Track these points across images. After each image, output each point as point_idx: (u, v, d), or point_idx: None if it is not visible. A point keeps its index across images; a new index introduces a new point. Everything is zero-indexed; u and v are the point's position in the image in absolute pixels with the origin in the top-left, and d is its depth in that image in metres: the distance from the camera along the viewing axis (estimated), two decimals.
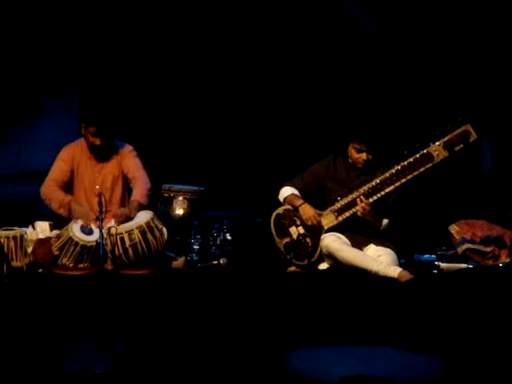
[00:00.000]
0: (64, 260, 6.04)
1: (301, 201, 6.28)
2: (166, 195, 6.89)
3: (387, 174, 6.03)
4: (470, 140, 5.93)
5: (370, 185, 6.06)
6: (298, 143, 8.89)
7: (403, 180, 6.02)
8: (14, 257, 5.98)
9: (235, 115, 9.06)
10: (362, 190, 6.08)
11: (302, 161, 6.80)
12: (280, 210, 6.37)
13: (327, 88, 8.95)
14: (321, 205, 6.27)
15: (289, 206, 6.34)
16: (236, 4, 8.96)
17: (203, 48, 9.02)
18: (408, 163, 6.00)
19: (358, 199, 6.06)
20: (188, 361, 4.87)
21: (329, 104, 8.91)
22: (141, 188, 6.38)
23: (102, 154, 6.40)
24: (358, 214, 6.06)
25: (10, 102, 8.79)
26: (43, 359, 4.80)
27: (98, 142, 6.34)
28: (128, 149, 6.52)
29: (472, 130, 5.91)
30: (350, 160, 6.23)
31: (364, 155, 6.11)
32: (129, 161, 6.47)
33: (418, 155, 5.98)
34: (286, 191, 6.36)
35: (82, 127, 6.44)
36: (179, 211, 6.86)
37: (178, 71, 9.03)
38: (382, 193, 6.05)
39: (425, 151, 5.98)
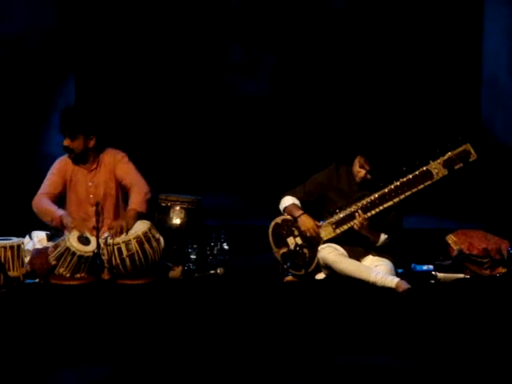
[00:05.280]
0: (61, 270, 6.04)
1: (300, 211, 6.27)
2: (163, 204, 6.87)
3: (386, 190, 6.03)
4: (470, 160, 5.94)
5: (368, 199, 6.06)
6: (298, 152, 8.88)
7: (402, 196, 6.01)
8: (11, 267, 5.94)
9: (233, 123, 9.05)
10: (360, 204, 6.07)
11: (300, 170, 6.80)
12: (278, 219, 6.35)
13: (326, 92, 8.95)
14: (320, 214, 6.27)
15: (287, 216, 6.32)
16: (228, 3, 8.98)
17: (198, 52, 8.99)
18: (407, 180, 6.00)
19: (356, 213, 6.06)
20: (185, 370, 4.88)
21: (329, 110, 8.90)
22: (138, 195, 6.33)
23: (78, 159, 6.34)
24: (355, 228, 6.06)
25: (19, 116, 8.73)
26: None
27: (65, 142, 6.28)
28: (120, 155, 6.44)
29: (472, 150, 5.93)
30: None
31: (363, 172, 6.10)
32: (122, 167, 6.41)
33: (417, 172, 5.98)
34: (287, 201, 6.34)
35: None
36: (176, 221, 6.83)
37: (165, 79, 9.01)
38: (381, 207, 6.04)
39: (424, 168, 5.98)
